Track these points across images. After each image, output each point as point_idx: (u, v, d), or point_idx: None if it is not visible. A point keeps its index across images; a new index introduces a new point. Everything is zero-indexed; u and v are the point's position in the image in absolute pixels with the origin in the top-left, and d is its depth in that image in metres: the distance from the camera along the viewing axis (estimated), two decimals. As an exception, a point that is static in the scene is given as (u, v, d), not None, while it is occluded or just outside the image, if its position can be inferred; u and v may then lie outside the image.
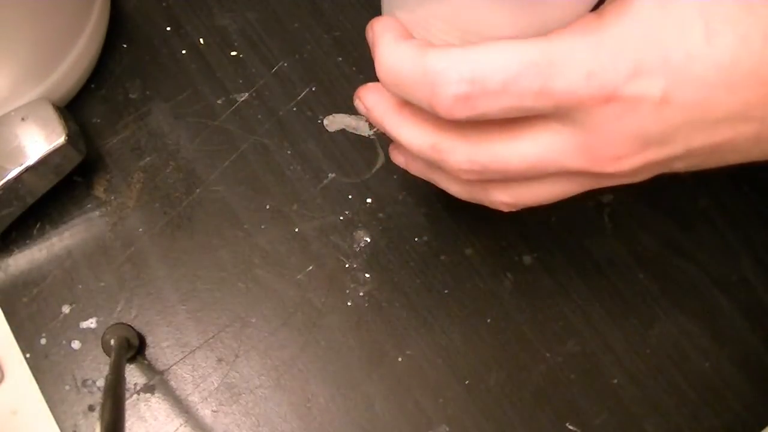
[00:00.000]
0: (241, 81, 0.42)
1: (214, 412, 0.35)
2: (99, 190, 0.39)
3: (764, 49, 0.22)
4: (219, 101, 0.41)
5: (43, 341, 0.36)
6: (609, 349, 0.36)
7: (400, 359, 0.35)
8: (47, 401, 0.35)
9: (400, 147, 0.29)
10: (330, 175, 0.39)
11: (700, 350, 0.36)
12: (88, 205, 0.39)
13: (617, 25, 0.22)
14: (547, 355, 0.36)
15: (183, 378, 0.35)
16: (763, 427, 0.34)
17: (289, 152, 0.40)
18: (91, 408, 0.35)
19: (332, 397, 0.35)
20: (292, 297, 0.37)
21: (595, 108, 0.22)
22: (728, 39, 0.22)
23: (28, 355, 0.35)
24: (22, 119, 0.35)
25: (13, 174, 0.34)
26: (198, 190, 0.39)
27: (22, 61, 0.35)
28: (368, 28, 0.27)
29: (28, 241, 0.38)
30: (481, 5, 0.23)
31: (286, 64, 0.42)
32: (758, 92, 0.22)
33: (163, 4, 0.44)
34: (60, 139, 0.35)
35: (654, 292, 0.37)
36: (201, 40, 0.43)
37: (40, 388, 0.35)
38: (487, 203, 0.28)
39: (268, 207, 0.39)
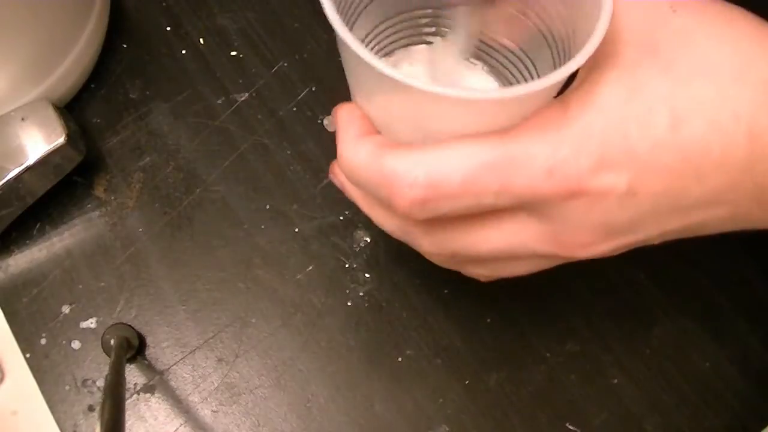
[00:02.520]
0: (241, 81, 0.42)
1: (214, 412, 0.35)
2: (99, 190, 0.39)
3: (736, 131, 0.21)
4: (219, 101, 0.41)
5: (43, 341, 0.36)
6: (609, 349, 0.36)
7: (400, 359, 0.35)
8: (47, 401, 0.35)
9: None
10: (329, 175, 0.39)
11: (700, 350, 0.36)
12: (88, 205, 0.39)
13: (581, 116, 0.22)
14: (547, 355, 0.36)
15: (183, 378, 0.35)
16: (763, 427, 0.34)
17: (289, 152, 0.40)
18: (91, 408, 0.35)
19: (332, 397, 0.35)
20: (292, 297, 0.37)
21: (559, 202, 0.22)
22: (696, 125, 0.21)
23: (28, 355, 0.35)
24: (22, 119, 0.35)
25: (13, 174, 0.34)
26: (198, 190, 0.39)
27: (22, 61, 0.35)
28: (333, 113, 0.27)
29: (28, 241, 0.38)
30: (435, 106, 0.22)
31: (286, 64, 0.42)
32: (730, 178, 0.22)
33: (163, 3, 0.44)
34: (60, 139, 0.35)
35: (654, 292, 0.37)
36: (201, 40, 0.43)
37: (40, 388, 0.35)
38: (465, 274, 0.28)
39: (268, 207, 0.39)
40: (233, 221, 0.38)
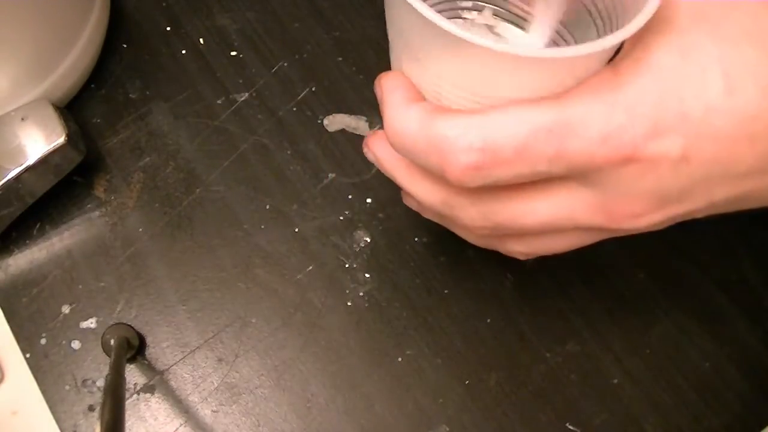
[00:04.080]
0: (241, 81, 0.42)
1: (214, 412, 0.35)
2: (99, 190, 0.39)
3: None
4: (219, 101, 0.41)
5: (43, 341, 0.36)
6: (609, 349, 0.36)
7: (400, 359, 0.35)
8: (47, 401, 0.35)
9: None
10: (330, 175, 0.39)
11: (700, 350, 0.36)
12: (88, 205, 0.39)
13: (634, 81, 0.21)
14: (547, 355, 0.36)
15: (183, 378, 0.35)
16: (763, 427, 0.34)
17: (289, 152, 0.40)
18: (91, 408, 0.35)
19: (332, 397, 0.35)
20: (292, 297, 0.37)
21: (612, 169, 0.22)
22: (749, 90, 0.21)
23: (28, 355, 0.35)
24: (22, 119, 0.35)
25: (13, 174, 0.34)
26: (198, 190, 0.39)
27: (22, 61, 0.35)
28: (376, 83, 0.26)
29: (28, 241, 0.38)
30: (491, 65, 0.22)
31: (286, 64, 0.42)
32: None
33: (163, 4, 0.44)
34: (60, 139, 0.35)
35: (654, 292, 0.37)
36: (201, 40, 0.43)
37: (40, 388, 0.35)
38: (503, 252, 0.28)
39: (268, 207, 0.39)
40: (233, 221, 0.38)
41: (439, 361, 0.36)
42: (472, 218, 0.25)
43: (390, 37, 0.26)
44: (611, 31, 0.25)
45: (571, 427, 0.35)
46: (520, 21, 0.30)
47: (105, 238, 0.38)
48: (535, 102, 0.22)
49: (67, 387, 0.35)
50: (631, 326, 0.36)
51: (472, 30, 0.30)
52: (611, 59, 0.23)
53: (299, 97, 0.41)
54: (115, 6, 0.42)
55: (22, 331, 0.36)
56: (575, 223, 0.24)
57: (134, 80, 0.41)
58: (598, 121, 0.21)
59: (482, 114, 0.22)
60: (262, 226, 0.38)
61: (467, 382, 0.35)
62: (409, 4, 0.21)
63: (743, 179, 0.22)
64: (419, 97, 0.24)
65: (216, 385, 0.35)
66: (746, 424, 0.35)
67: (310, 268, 0.37)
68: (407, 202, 0.30)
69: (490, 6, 0.31)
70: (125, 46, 0.42)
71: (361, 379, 0.35)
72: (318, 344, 0.36)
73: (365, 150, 0.28)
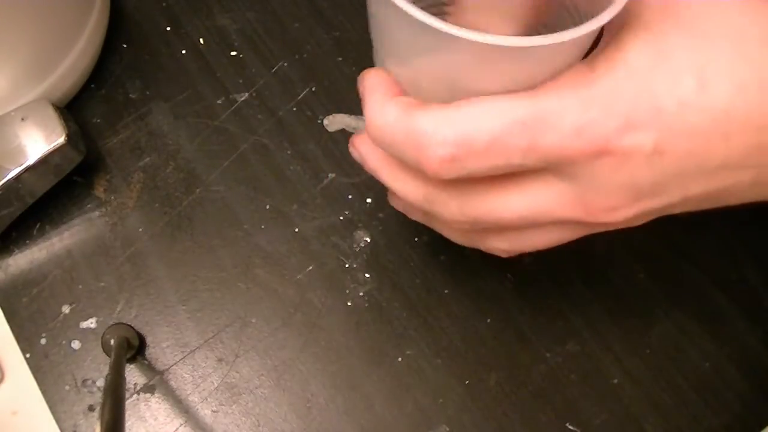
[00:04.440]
0: (241, 81, 0.42)
1: (214, 412, 0.35)
2: (99, 190, 0.39)
3: (761, 96, 0.21)
4: (219, 101, 0.41)
5: (43, 341, 0.36)
6: (609, 349, 0.36)
7: (400, 359, 0.35)
8: (47, 401, 0.35)
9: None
10: (330, 175, 0.39)
11: (700, 350, 0.36)
12: (88, 205, 0.39)
13: (608, 77, 0.22)
14: (547, 355, 0.36)
15: (183, 378, 0.35)
16: (763, 427, 0.34)
17: (289, 152, 0.40)
18: (91, 408, 0.35)
19: (332, 397, 0.35)
20: (292, 297, 0.37)
21: (586, 162, 0.22)
22: (723, 87, 0.21)
23: (28, 355, 0.35)
24: (22, 119, 0.35)
25: (13, 174, 0.34)
26: (198, 190, 0.39)
27: (22, 61, 0.35)
28: (359, 80, 0.26)
29: (28, 241, 0.38)
30: (468, 60, 0.22)
31: (286, 64, 0.42)
32: (754, 140, 0.22)
33: (163, 4, 0.44)
34: (60, 139, 0.35)
35: (654, 292, 0.37)
36: (201, 40, 0.43)
37: (40, 388, 0.35)
38: (485, 250, 0.28)
39: (268, 207, 0.39)
40: (233, 221, 0.38)
41: (439, 361, 0.36)
42: (452, 213, 0.26)
43: (372, 34, 0.26)
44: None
45: (571, 427, 0.35)
46: None
47: (105, 238, 0.38)
48: (510, 95, 0.22)
49: (67, 387, 0.35)
50: (631, 326, 0.36)
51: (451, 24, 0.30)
52: (586, 55, 0.23)
53: (299, 97, 0.41)
54: (115, 6, 0.42)
55: (22, 331, 0.36)
56: (553, 217, 0.24)
57: (134, 80, 0.41)
58: (572, 115, 0.21)
59: (457, 107, 0.22)
60: (262, 226, 0.38)
61: (467, 382, 0.35)
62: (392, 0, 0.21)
63: (717, 174, 0.23)
64: (400, 92, 0.25)
65: (216, 385, 0.35)
66: (746, 424, 0.35)
67: (310, 268, 0.37)
68: (393, 202, 0.30)
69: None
70: (125, 46, 0.42)
71: (361, 379, 0.35)
72: (318, 344, 0.36)
73: (351, 149, 0.29)
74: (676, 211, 0.25)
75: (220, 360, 0.36)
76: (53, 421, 0.34)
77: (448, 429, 0.34)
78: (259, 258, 0.37)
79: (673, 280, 0.37)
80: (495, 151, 0.22)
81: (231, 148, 0.40)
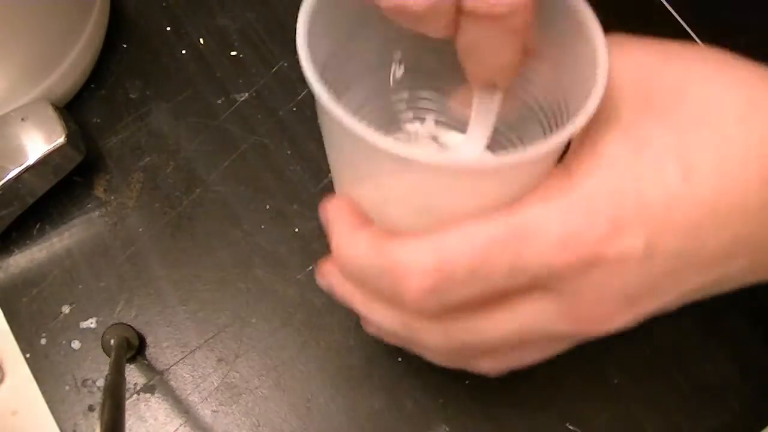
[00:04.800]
0: (241, 81, 0.42)
1: (214, 412, 0.35)
2: (99, 190, 0.39)
3: (747, 177, 0.20)
4: (219, 101, 0.41)
5: (43, 341, 0.36)
6: (609, 349, 0.36)
7: (399, 359, 0.35)
8: (47, 401, 0.35)
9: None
10: (330, 175, 0.39)
11: (700, 350, 0.36)
12: (88, 205, 0.39)
13: (587, 180, 0.20)
14: (547, 355, 0.36)
15: (183, 378, 0.35)
16: (763, 427, 0.34)
17: (289, 152, 0.40)
18: (91, 408, 0.35)
19: (332, 397, 0.35)
20: (292, 297, 0.37)
21: (575, 275, 0.21)
22: (707, 174, 0.20)
23: (28, 355, 0.35)
24: (22, 119, 0.35)
25: (13, 174, 0.34)
26: (198, 190, 0.39)
27: (22, 61, 0.35)
28: (321, 210, 0.25)
29: (28, 241, 0.38)
30: (438, 181, 0.21)
31: (286, 64, 0.42)
32: (745, 225, 0.21)
33: (163, 4, 0.44)
34: (60, 139, 0.35)
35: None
36: (201, 40, 0.43)
37: (40, 388, 0.35)
38: (472, 371, 0.27)
39: (268, 207, 0.39)
40: (233, 221, 0.38)
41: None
42: (435, 340, 0.24)
43: (330, 158, 0.25)
44: (557, 126, 0.24)
45: (571, 427, 0.35)
46: (463, 127, 0.29)
47: (105, 238, 0.38)
48: (487, 215, 0.21)
49: (67, 387, 0.35)
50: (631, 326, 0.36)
51: (417, 143, 0.30)
52: (561, 157, 0.22)
53: (299, 97, 0.41)
54: (115, 6, 0.42)
55: (22, 331, 0.36)
56: (543, 334, 0.23)
57: (134, 80, 0.41)
58: (554, 226, 0.20)
59: (433, 235, 0.21)
60: (262, 226, 0.38)
61: (467, 382, 0.35)
62: (348, 128, 0.20)
63: (712, 266, 0.22)
64: (367, 221, 0.23)
65: (216, 385, 0.35)
66: (746, 424, 0.35)
67: (310, 268, 0.37)
68: (367, 328, 0.29)
69: (432, 115, 0.30)
70: (125, 46, 0.42)
71: (361, 379, 0.35)
72: (318, 344, 0.36)
73: (319, 279, 0.27)
74: (672, 307, 0.23)
75: (220, 360, 0.36)
76: (53, 421, 0.34)
77: (448, 429, 0.34)
78: (259, 258, 0.37)
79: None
80: (478, 276, 0.21)
81: (231, 148, 0.40)
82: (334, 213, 0.24)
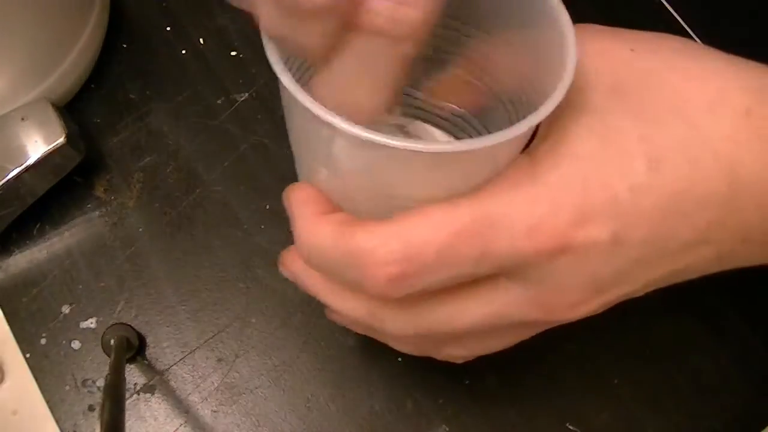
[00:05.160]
0: (241, 81, 0.42)
1: (214, 412, 0.35)
2: (99, 190, 0.39)
3: (715, 167, 0.20)
4: (219, 101, 0.41)
5: (43, 341, 0.36)
6: (609, 349, 0.36)
7: (399, 359, 0.35)
8: (47, 401, 0.35)
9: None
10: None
11: (700, 350, 0.36)
12: (88, 205, 0.38)
13: (554, 169, 0.20)
14: (547, 355, 0.36)
15: (183, 378, 0.35)
16: (763, 427, 0.34)
17: (288, 152, 0.40)
18: (91, 408, 0.35)
19: (332, 397, 0.35)
20: (292, 297, 0.37)
21: (542, 263, 0.21)
22: (675, 165, 0.20)
23: (28, 355, 0.35)
24: (22, 119, 0.35)
25: (13, 174, 0.34)
26: (198, 190, 0.39)
27: (22, 61, 0.35)
28: (284, 197, 0.24)
29: (28, 241, 0.38)
30: (401, 165, 0.20)
31: (286, 64, 0.42)
32: (714, 215, 0.21)
33: (163, 4, 0.44)
34: (60, 139, 0.35)
35: (654, 292, 0.37)
36: (201, 40, 0.43)
37: (40, 388, 0.35)
38: (439, 358, 0.27)
39: (268, 207, 0.39)
40: (233, 221, 0.38)
41: (438, 361, 0.35)
42: (402, 328, 0.24)
43: (293, 146, 0.25)
44: (523, 114, 0.23)
45: (571, 427, 0.35)
46: (430, 117, 0.29)
47: (105, 238, 0.38)
48: (454, 202, 0.21)
49: (67, 387, 0.35)
50: (631, 326, 0.36)
51: (382, 131, 0.30)
52: (528, 143, 0.22)
53: (299, 97, 0.41)
54: (115, 6, 0.42)
55: (22, 331, 0.36)
56: (510, 320, 0.23)
57: (134, 80, 0.41)
58: (521, 215, 0.20)
59: (399, 221, 0.21)
60: (262, 226, 0.38)
61: (467, 382, 0.35)
62: (314, 112, 0.19)
63: (680, 254, 0.22)
64: (331, 207, 0.23)
65: (216, 385, 0.35)
66: (746, 424, 0.35)
67: (310, 268, 0.37)
68: (331, 317, 0.28)
69: (398, 107, 0.30)
70: (125, 46, 0.42)
71: (361, 379, 0.35)
72: (318, 344, 0.36)
73: (281, 269, 0.27)
74: (640, 294, 0.23)
75: (220, 360, 0.36)
76: (53, 421, 0.34)
77: (448, 429, 0.34)
78: (259, 258, 0.37)
79: (673, 280, 0.37)
80: (446, 263, 0.20)
81: (231, 148, 0.40)
82: (296, 199, 0.24)
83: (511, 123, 0.25)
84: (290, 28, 0.19)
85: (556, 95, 0.20)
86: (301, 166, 0.26)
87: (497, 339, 0.25)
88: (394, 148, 0.19)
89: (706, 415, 0.35)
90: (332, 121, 0.19)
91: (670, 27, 0.43)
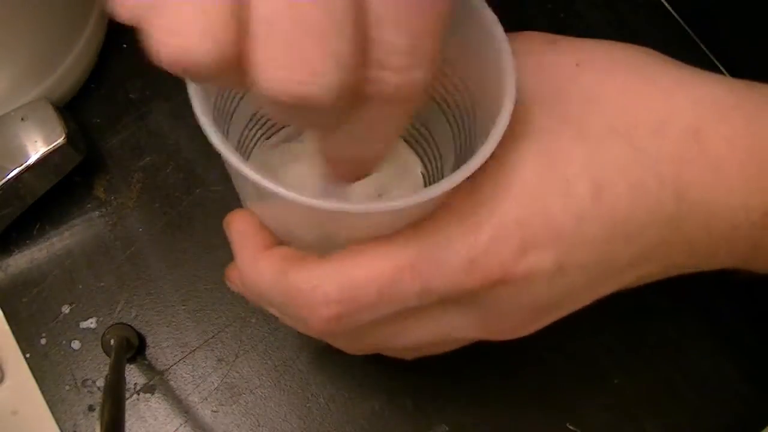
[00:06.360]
0: (241, 81, 0.41)
1: (214, 412, 0.35)
2: (99, 190, 0.39)
3: (661, 190, 0.20)
4: (219, 101, 0.41)
5: (43, 341, 0.36)
6: (609, 349, 0.36)
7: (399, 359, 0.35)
8: (47, 401, 0.35)
9: None
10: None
11: (700, 350, 0.36)
12: (88, 205, 0.38)
13: (495, 198, 0.20)
14: (547, 355, 0.36)
15: (183, 378, 0.35)
16: (763, 427, 0.34)
17: (289, 152, 0.40)
18: (91, 408, 0.35)
19: (332, 397, 0.35)
20: (292, 297, 0.37)
21: (484, 292, 0.21)
22: (619, 191, 0.20)
23: (28, 355, 0.35)
24: (22, 119, 0.35)
25: (13, 174, 0.34)
26: (198, 190, 0.39)
27: (22, 61, 0.35)
28: (225, 225, 0.24)
29: (28, 241, 0.38)
30: (338, 221, 0.20)
31: (286, 64, 0.42)
32: (659, 235, 0.21)
33: (163, 4, 0.44)
34: (60, 139, 0.35)
35: (654, 291, 0.37)
36: (201, 40, 0.43)
37: (40, 388, 0.35)
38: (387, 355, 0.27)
39: (268, 207, 0.39)
40: (233, 221, 0.38)
41: (438, 361, 0.35)
42: (347, 347, 0.25)
43: (234, 182, 0.24)
44: (465, 129, 0.23)
45: (571, 427, 0.35)
46: None
47: (105, 238, 0.38)
48: (392, 239, 0.20)
49: (67, 387, 0.35)
50: (631, 326, 0.36)
51: (302, 161, 0.28)
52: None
53: (299, 97, 0.41)
54: (115, 6, 0.42)
55: (22, 331, 0.36)
56: (455, 338, 0.24)
57: (134, 80, 0.41)
58: (461, 247, 0.20)
59: (339, 260, 0.20)
60: (262, 226, 0.38)
61: (467, 382, 0.35)
62: (233, 162, 0.19)
63: (624, 272, 0.22)
64: (270, 241, 0.23)
65: (216, 385, 0.35)
66: (746, 424, 0.35)
67: (310, 268, 0.37)
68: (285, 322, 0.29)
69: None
70: (125, 46, 0.42)
71: (361, 379, 0.35)
72: (318, 344, 0.36)
73: (228, 283, 0.27)
74: (587, 304, 0.24)
75: (220, 360, 0.36)
76: (53, 421, 0.34)
77: (448, 429, 0.34)
78: (259, 258, 0.37)
79: (673, 280, 0.37)
80: (387, 300, 0.20)
81: (231, 148, 0.40)
82: (236, 231, 0.24)
83: (452, 134, 0.24)
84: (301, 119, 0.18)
85: (494, 134, 0.19)
86: (241, 192, 0.25)
87: (441, 348, 0.26)
88: (319, 209, 0.18)
89: (706, 415, 0.35)
90: (238, 167, 0.18)
91: (669, 27, 0.43)
